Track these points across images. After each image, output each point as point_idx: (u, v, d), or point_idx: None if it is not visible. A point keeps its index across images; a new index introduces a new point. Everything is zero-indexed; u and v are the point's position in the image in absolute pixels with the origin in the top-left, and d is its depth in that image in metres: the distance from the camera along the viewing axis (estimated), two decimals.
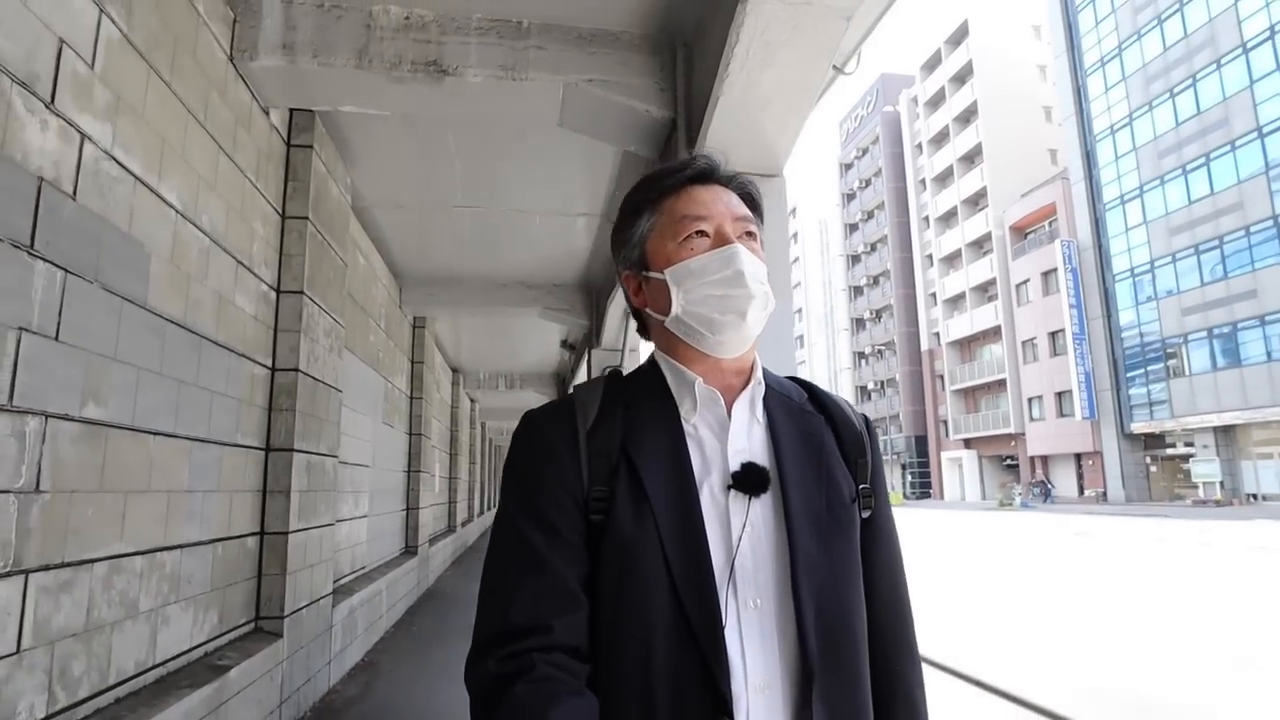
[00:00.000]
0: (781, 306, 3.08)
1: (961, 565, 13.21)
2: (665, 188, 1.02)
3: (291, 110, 4.40)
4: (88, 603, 2.49)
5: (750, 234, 0.99)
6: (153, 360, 2.89)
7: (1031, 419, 38.69)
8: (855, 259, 57.50)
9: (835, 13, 3.11)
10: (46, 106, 2.24)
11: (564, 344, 12.33)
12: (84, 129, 2.42)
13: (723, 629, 0.84)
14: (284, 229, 4.35)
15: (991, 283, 42.11)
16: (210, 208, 3.40)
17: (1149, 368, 32.26)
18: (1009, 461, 41.52)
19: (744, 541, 0.89)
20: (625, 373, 1.05)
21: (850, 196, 58.29)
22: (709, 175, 1.02)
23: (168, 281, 3.00)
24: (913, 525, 23.73)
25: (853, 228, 57.79)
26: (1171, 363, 31.24)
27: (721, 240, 0.96)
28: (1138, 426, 32.72)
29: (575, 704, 0.80)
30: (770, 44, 3.18)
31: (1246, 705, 4.89)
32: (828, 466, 0.97)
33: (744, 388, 0.99)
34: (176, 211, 3.07)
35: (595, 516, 0.89)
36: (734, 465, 0.92)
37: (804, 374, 49.03)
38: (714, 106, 3.39)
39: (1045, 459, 38.69)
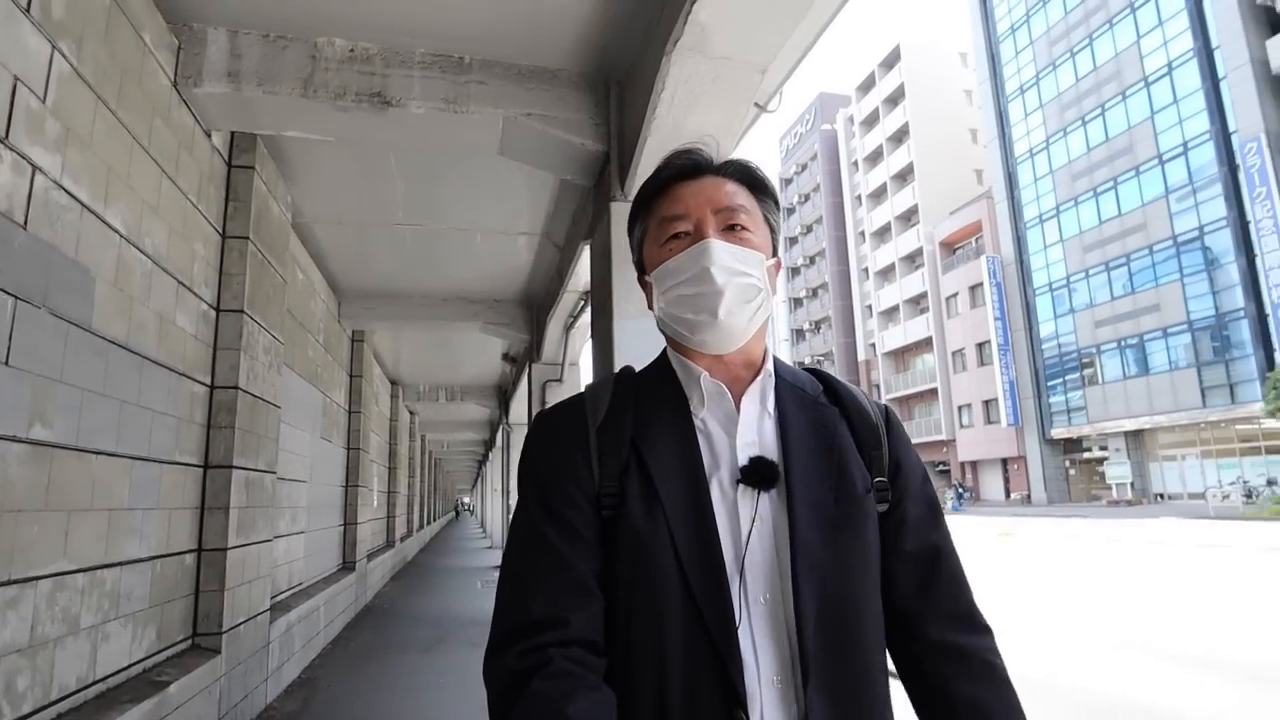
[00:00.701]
0: None
1: None
2: (653, 190, 1.03)
3: (233, 132, 4.48)
4: (32, 619, 2.56)
5: (735, 225, 0.97)
6: (96, 381, 2.97)
7: (961, 426, 40.26)
8: (795, 271, 58.84)
9: (750, 67, 3.41)
10: (1, 142, 2.33)
11: (505, 357, 12.42)
12: (35, 161, 2.52)
13: (735, 623, 0.84)
14: (224, 248, 4.42)
15: (923, 296, 43.67)
16: (153, 231, 3.48)
17: (1067, 376, 34.14)
18: (941, 467, 43.01)
19: (753, 536, 0.89)
20: (638, 370, 1.06)
21: (790, 211, 59.67)
22: (693, 170, 1.00)
23: (111, 304, 3.08)
24: None
25: (793, 241, 59.15)
26: (1087, 371, 33.10)
27: (699, 237, 0.96)
28: (1057, 432, 34.56)
29: (593, 698, 0.80)
30: (694, 92, 3.45)
31: (1122, 682, 5.33)
32: (839, 459, 0.96)
33: (753, 380, 0.98)
34: (121, 236, 3.15)
35: (607, 512, 0.90)
36: (743, 459, 0.92)
37: None
38: (644, 143, 3.64)
39: (975, 464, 40.28)
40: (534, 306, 9.05)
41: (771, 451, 0.94)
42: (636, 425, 0.94)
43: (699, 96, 3.50)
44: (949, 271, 41.17)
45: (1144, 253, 30.59)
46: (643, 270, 1.05)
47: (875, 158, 49.69)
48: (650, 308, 1.03)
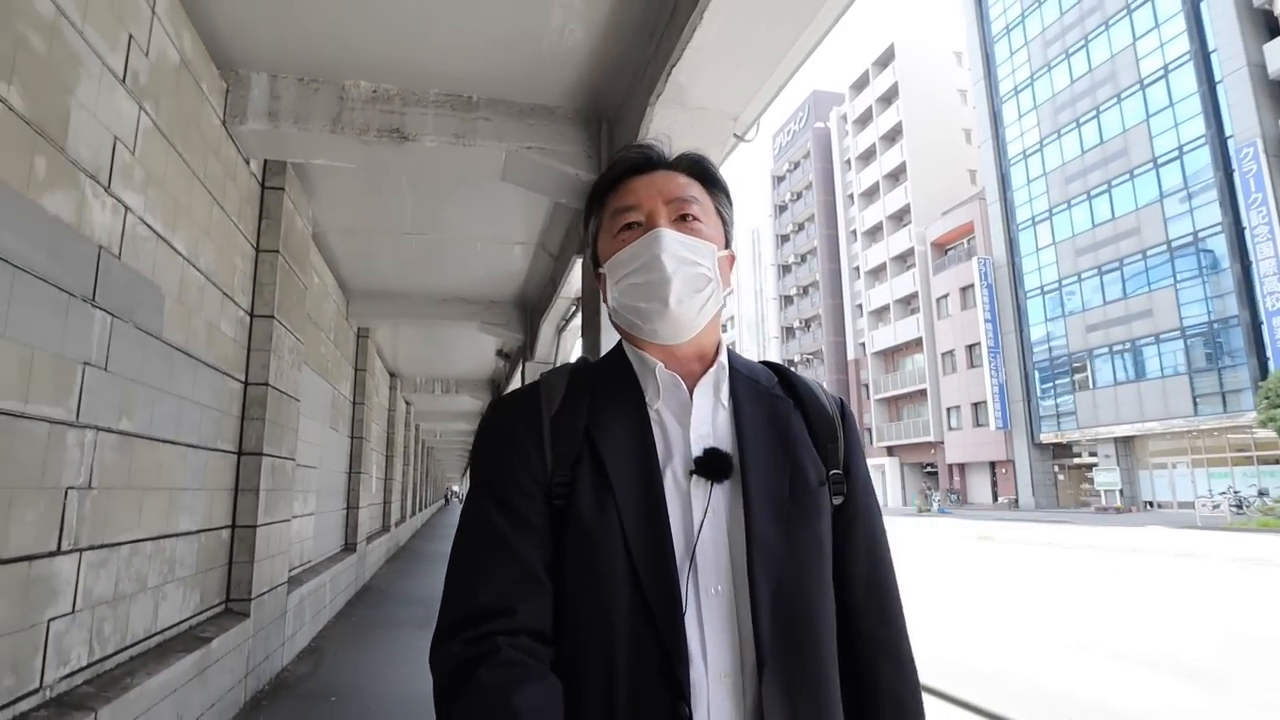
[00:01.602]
0: None
1: None
2: (606, 185, 1.04)
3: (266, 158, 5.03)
4: (116, 577, 3.14)
5: (687, 215, 0.98)
6: (164, 381, 3.54)
7: (950, 428, 40.71)
8: (786, 269, 59.39)
9: (724, 115, 4.00)
10: (106, 190, 2.90)
11: (499, 353, 12.97)
12: (127, 203, 3.08)
13: (683, 616, 0.84)
14: (258, 261, 4.99)
15: (914, 296, 44.18)
16: (205, 250, 4.05)
17: (1057, 381, 34.18)
18: (929, 469, 43.59)
19: (705, 528, 0.89)
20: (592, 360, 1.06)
21: (782, 208, 60.23)
22: (645, 165, 1.02)
23: (176, 316, 3.65)
24: None
25: (784, 238, 59.69)
26: (1078, 376, 33.09)
27: (651, 227, 0.97)
28: (1046, 436, 34.66)
29: (539, 688, 0.80)
30: (674, 134, 4.00)
31: (1065, 678, 5.95)
32: (793, 451, 0.96)
33: (705, 372, 0.98)
34: (183, 258, 3.72)
35: (559, 501, 0.90)
36: (696, 450, 0.92)
37: None
38: None
39: (963, 467, 40.77)
40: (528, 308, 9.62)
41: (726, 443, 0.94)
42: (591, 415, 0.94)
43: (679, 139, 3.94)
44: (940, 272, 41.66)
45: (1137, 257, 30.62)
46: (597, 263, 1.05)
47: (868, 157, 50.17)
48: (605, 300, 1.04)
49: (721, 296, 1.00)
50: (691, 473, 0.91)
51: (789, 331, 59.12)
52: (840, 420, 1.03)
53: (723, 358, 1.00)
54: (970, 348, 39.03)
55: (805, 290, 57.05)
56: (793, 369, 1.07)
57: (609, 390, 0.98)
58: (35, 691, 2.54)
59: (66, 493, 2.70)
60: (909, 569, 13.08)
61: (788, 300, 59.31)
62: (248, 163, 4.74)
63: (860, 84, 51.79)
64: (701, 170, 1.03)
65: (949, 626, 7.76)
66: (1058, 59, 35.52)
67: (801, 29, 3.50)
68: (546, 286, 8.37)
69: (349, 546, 9.77)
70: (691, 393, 0.96)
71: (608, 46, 4.19)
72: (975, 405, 38.52)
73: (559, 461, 0.91)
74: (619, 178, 1.03)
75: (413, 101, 4.56)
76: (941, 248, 42.97)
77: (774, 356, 60.61)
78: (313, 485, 7.46)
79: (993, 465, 38.75)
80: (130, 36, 3.09)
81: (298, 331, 5.66)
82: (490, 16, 3.92)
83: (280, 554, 5.37)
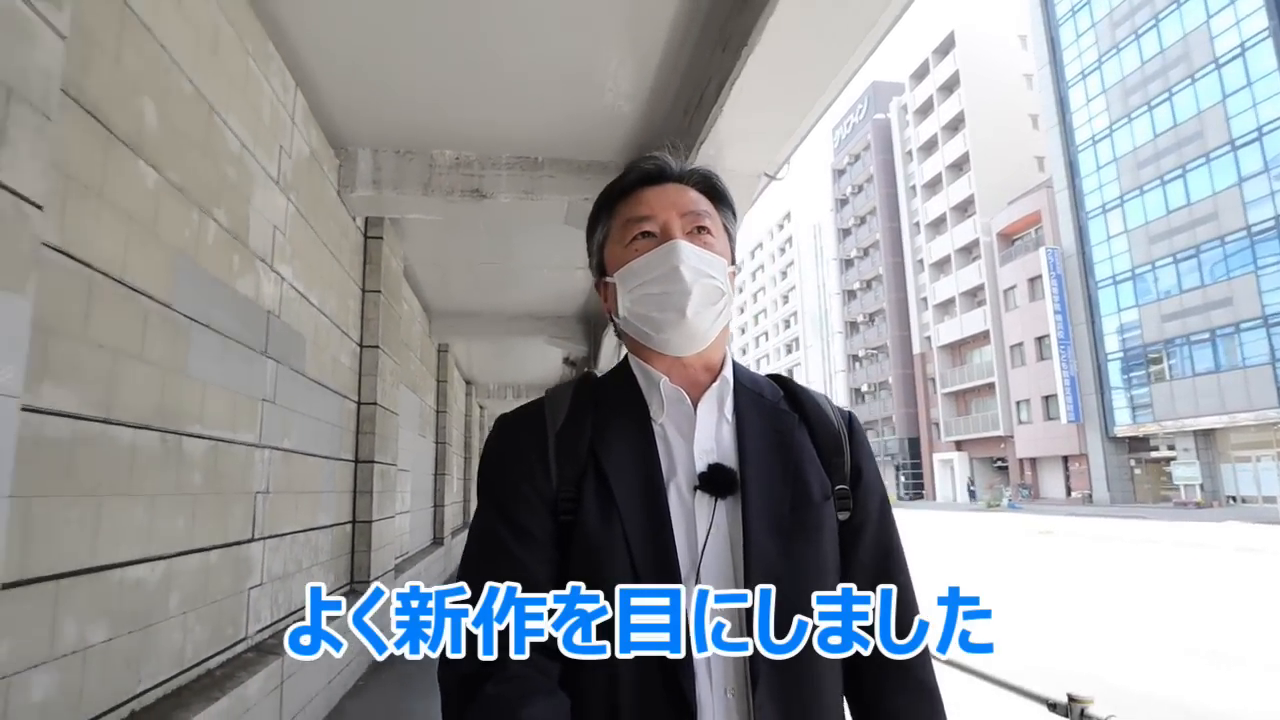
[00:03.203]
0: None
1: (924, 559, 14.80)
2: (616, 194, 1.04)
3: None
4: (284, 559, 4.10)
5: (702, 228, 0.99)
6: (307, 407, 4.50)
7: (1020, 422, 39.97)
8: (849, 263, 59.01)
9: (753, 175, 4.77)
10: (270, 267, 3.85)
11: (566, 361, 13.92)
12: (282, 274, 4.03)
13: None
14: (364, 300, 5.97)
15: (980, 288, 43.48)
16: (329, 298, 5.01)
17: (1132, 373, 33.16)
18: (999, 463, 42.89)
19: (710, 543, 0.89)
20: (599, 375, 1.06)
21: (843, 201, 59.83)
22: (658, 176, 1.02)
23: (313, 355, 4.61)
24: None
25: (846, 232, 59.31)
26: (1154, 368, 32.03)
27: (666, 238, 0.97)
28: (1121, 430, 33.61)
29: (547, 703, 0.81)
30: None
31: (1090, 664, 6.47)
32: (797, 466, 0.96)
33: (710, 385, 0.99)
34: (316, 308, 4.69)
35: (565, 517, 0.90)
36: (700, 465, 0.92)
37: (799, 376, 49.61)
38: None
39: (1034, 461, 39.99)
40: (591, 322, 10.50)
41: (729, 458, 0.94)
42: (595, 430, 0.95)
43: None
44: (1007, 263, 40.95)
45: (1215, 244, 29.46)
46: (603, 272, 1.05)
47: (930, 147, 49.48)
48: (607, 310, 1.04)
49: (731, 310, 1.01)
50: (696, 488, 0.91)
51: (853, 326, 58.73)
52: (847, 434, 1.03)
53: (727, 371, 1.01)
54: (1040, 340, 38.24)
55: (869, 284, 56.60)
56: (797, 383, 1.08)
57: (613, 405, 0.99)
58: (243, 640, 3.51)
59: (255, 496, 3.66)
60: (957, 561, 13.48)
61: (851, 295, 58.91)
62: (354, 220, 5.72)
63: (920, 73, 51.09)
64: (711, 186, 1.04)
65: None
66: (1127, 40, 34.43)
67: (815, 107, 4.22)
68: None
69: (437, 540, 10.86)
70: (696, 407, 0.97)
71: (650, 116, 4.99)
72: (1046, 398, 37.75)
73: (564, 477, 0.92)
74: (631, 187, 1.03)
75: (489, 165, 5.44)
76: (1008, 238, 42.20)
77: (838, 352, 60.31)
78: (408, 486, 8.50)
79: (1065, 459, 37.93)
80: (280, 147, 4.05)
81: (395, 355, 6.64)
82: (552, 97, 4.76)
83: (388, 545, 6.36)
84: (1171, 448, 32.26)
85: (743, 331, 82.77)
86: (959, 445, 45.25)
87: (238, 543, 3.45)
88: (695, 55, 4.23)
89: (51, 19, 1.85)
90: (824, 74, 3.80)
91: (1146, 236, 32.65)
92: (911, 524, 25.16)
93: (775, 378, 1.08)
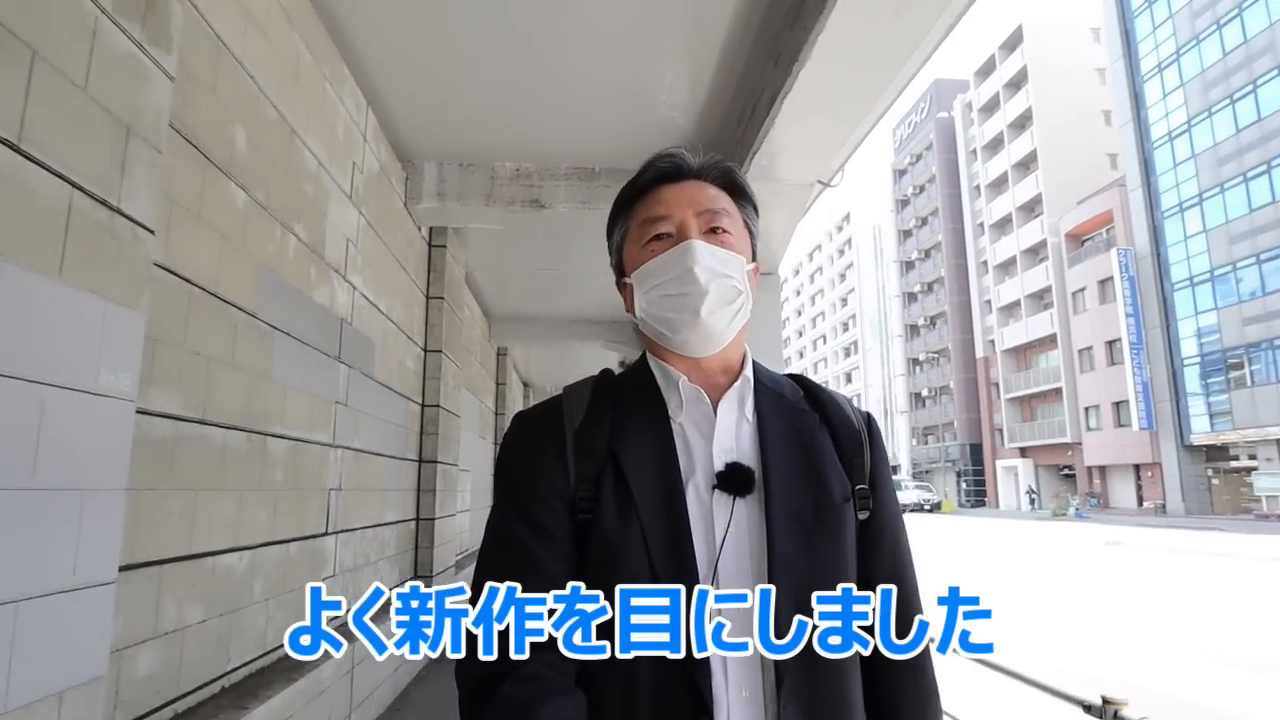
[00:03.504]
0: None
1: (978, 569, 14.49)
2: (633, 193, 1.04)
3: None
4: (354, 553, 4.34)
5: (719, 227, 0.97)
6: (375, 409, 4.75)
7: (1088, 428, 38.68)
8: (909, 265, 57.92)
9: (803, 185, 4.84)
10: (343, 277, 4.09)
11: (622, 364, 14.11)
12: (354, 283, 4.28)
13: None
14: (428, 306, 6.23)
15: (1047, 290, 42.23)
16: (396, 305, 5.27)
17: (1210, 379, 31.82)
18: (1065, 471, 41.55)
19: (728, 542, 0.88)
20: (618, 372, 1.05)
21: (904, 202, 58.74)
22: (674, 174, 1.01)
23: (381, 359, 4.86)
24: (947, 533, 24.77)
25: (906, 234, 58.21)
26: (1234, 373, 30.72)
27: (682, 238, 0.96)
28: (1198, 438, 32.24)
29: (564, 702, 0.81)
30: (763, 203, 4.87)
31: (1141, 674, 6.32)
32: (817, 466, 0.95)
33: (730, 385, 0.98)
34: (384, 314, 4.93)
35: (582, 515, 0.90)
36: (719, 465, 0.92)
37: (857, 380, 49.05)
38: None
39: (1103, 469, 38.62)
40: None
41: (749, 458, 0.94)
42: (614, 428, 0.94)
43: (767, 202, 4.93)
44: (1075, 265, 39.66)
45: None
46: (621, 272, 1.05)
47: (995, 146, 48.22)
48: (629, 310, 1.03)
49: (749, 309, 1.00)
50: (714, 487, 0.91)
51: (913, 329, 57.61)
52: (867, 435, 1.02)
53: (748, 371, 1.00)
54: (1110, 344, 36.93)
55: (930, 286, 55.44)
56: (818, 382, 1.08)
57: (632, 403, 0.98)
58: None
59: (329, 493, 3.90)
60: (1015, 570, 13.17)
61: (911, 297, 57.79)
62: (420, 229, 5.98)
63: (986, 69, 49.84)
64: (731, 182, 1.03)
65: (1036, 630, 8.14)
66: (1207, 31, 32.99)
67: (868, 117, 4.28)
68: None
69: None
70: (716, 406, 0.96)
71: (705, 128, 5.10)
72: (1116, 404, 36.42)
73: (582, 475, 0.92)
74: (648, 186, 1.02)
75: (548, 176, 5.63)
76: (1077, 239, 40.86)
77: (898, 355, 59.22)
78: (468, 485, 8.77)
79: (1137, 468, 36.51)
80: (353, 163, 4.29)
81: (457, 359, 6.89)
82: (609, 110, 4.91)
83: (449, 542, 6.60)
84: (1253, 457, 30.85)
85: (800, 335, 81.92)
86: (1023, 452, 43.96)
87: (313, 536, 3.69)
88: (748, 68, 4.33)
89: (162, 62, 2.06)
90: (875, 87, 3.86)
91: (1227, 236, 31.27)
92: (971, 531, 24.60)
93: (795, 378, 1.08)
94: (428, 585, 3.60)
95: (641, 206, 1.01)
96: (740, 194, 1.03)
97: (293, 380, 3.41)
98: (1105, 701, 1.85)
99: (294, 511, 3.47)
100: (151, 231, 2.00)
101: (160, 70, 2.05)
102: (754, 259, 1.03)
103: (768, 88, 4.02)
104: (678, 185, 1.00)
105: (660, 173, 1.02)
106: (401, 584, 5.39)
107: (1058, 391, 40.96)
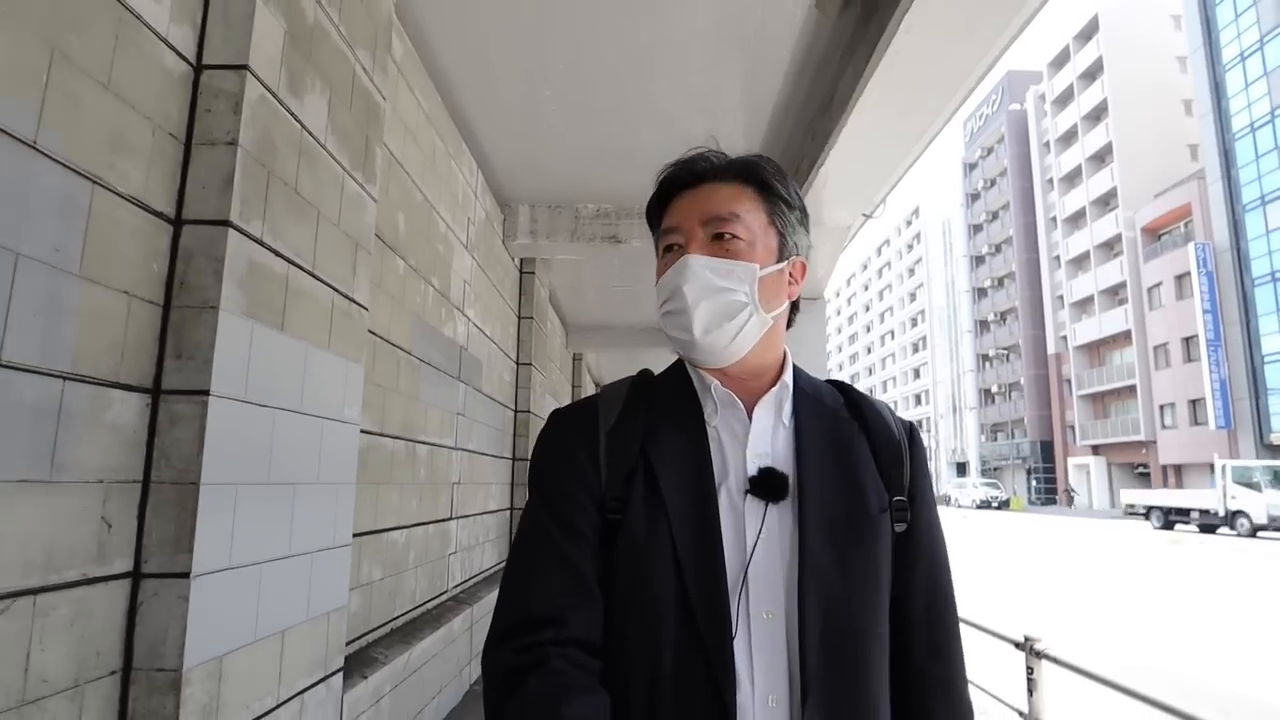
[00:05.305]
0: None
1: (1039, 565, 14.85)
2: (655, 205, 1.04)
3: None
4: (469, 535, 5.35)
5: (724, 234, 0.94)
6: (483, 416, 5.75)
7: (1163, 427, 37.75)
8: (979, 260, 57.03)
9: (841, 228, 5.60)
10: (461, 312, 5.08)
11: None
12: (469, 316, 5.27)
13: (731, 639, 0.84)
14: (519, 325, 7.23)
15: (1121, 286, 41.25)
16: (496, 329, 6.26)
17: None
18: (1140, 469, 40.58)
19: (759, 549, 0.88)
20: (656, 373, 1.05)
21: (974, 197, 57.84)
22: (690, 180, 0.99)
23: (486, 374, 5.86)
24: (1025, 531, 24.80)
25: (976, 228, 57.33)
26: None
27: (686, 251, 0.94)
28: (1278, 437, 31.65)
29: (588, 700, 0.80)
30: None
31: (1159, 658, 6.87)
32: (855, 475, 0.94)
33: (767, 391, 0.97)
34: (487, 337, 5.93)
35: (612, 515, 0.90)
36: (753, 469, 0.91)
37: (925, 375, 48.43)
38: None
39: (1179, 468, 37.65)
40: None
41: (784, 463, 0.93)
42: (647, 430, 0.94)
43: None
44: (1151, 260, 38.65)
45: None
46: None
47: (1069, 138, 47.15)
48: None
49: (767, 318, 0.96)
50: (747, 492, 0.90)
51: (983, 325, 56.73)
52: (908, 445, 1.00)
53: (786, 376, 0.99)
54: (1187, 340, 35.96)
55: (1000, 282, 54.53)
56: (863, 390, 1.06)
57: (667, 405, 0.97)
58: (444, 592, 4.76)
59: (452, 486, 4.90)
60: (1072, 568, 13.52)
61: (981, 293, 56.92)
62: (513, 259, 6.97)
63: (1060, 60, 48.72)
64: (755, 176, 0.98)
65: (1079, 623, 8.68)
66: None
67: (899, 169, 5.02)
68: None
69: None
70: (752, 410, 0.96)
71: None
72: (1193, 402, 35.49)
73: (613, 475, 0.91)
74: (667, 196, 1.01)
75: (624, 215, 6.54)
76: (1154, 233, 39.76)
77: (967, 352, 58.41)
78: None
79: (1214, 467, 35.46)
80: (468, 218, 5.28)
81: (542, 369, 7.88)
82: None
83: None
84: None
85: (868, 330, 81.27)
86: (1096, 450, 43.08)
87: (443, 520, 4.70)
88: (790, 139, 5.15)
89: (371, 191, 3.03)
90: (901, 151, 4.62)
91: None
92: (1036, 528, 24.64)
93: (836, 384, 1.07)
94: None
95: (662, 218, 1.02)
96: (766, 188, 0.98)
97: (431, 399, 4.41)
98: (1026, 639, 2.62)
99: (431, 500, 4.47)
100: (367, 309, 2.97)
101: (371, 198, 3.02)
102: (783, 256, 0.99)
103: (807, 155, 4.84)
104: (690, 192, 0.98)
105: (672, 182, 1.00)
106: (498, 564, 6.40)
107: (1132, 389, 40.07)
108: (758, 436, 0.94)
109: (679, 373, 1.02)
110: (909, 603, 0.97)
